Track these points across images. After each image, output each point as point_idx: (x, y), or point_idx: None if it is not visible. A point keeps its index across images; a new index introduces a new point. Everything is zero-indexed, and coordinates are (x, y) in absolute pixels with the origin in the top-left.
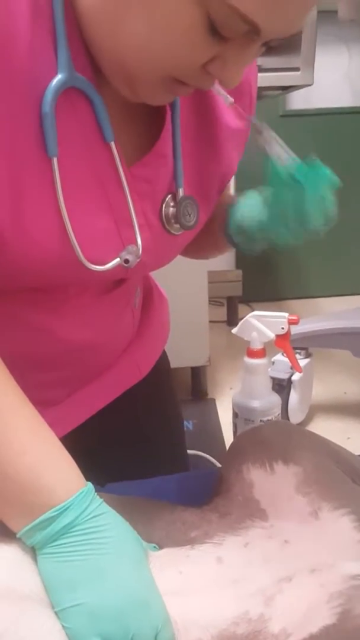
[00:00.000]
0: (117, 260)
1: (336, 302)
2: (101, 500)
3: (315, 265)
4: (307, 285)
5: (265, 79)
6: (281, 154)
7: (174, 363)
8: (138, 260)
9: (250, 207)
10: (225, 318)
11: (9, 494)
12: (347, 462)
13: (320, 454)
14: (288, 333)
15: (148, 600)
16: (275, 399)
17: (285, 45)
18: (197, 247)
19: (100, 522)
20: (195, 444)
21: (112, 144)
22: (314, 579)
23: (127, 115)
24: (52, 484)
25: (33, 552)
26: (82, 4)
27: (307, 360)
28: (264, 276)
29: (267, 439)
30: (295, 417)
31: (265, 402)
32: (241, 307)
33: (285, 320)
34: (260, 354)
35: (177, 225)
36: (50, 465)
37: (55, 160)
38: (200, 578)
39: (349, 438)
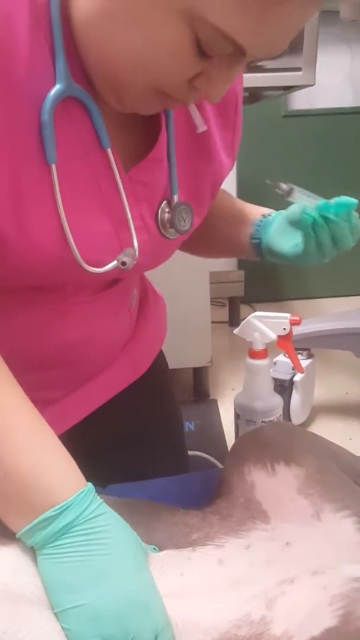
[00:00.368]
0: (115, 262)
1: (338, 302)
2: (101, 500)
3: (317, 266)
4: (309, 286)
5: (266, 79)
6: (309, 201)
7: (175, 363)
8: (135, 262)
9: (286, 240)
10: (227, 319)
11: (9, 493)
12: (348, 463)
13: (322, 455)
14: (290, 334)
15: (148, 602)
16: (277, 399)
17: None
18: (211, 250)
19: (101, 523)
20: (196, 445)
21: (109, 151)
22: (316, 581)
23: (123, 123)
24: (52, 483)
25: (33, 553)
26: (77, 18)
27: (309, 361)
28: (266, 277)
29: (269, 441)
30: (297, 418)
31: (267, 403)
32: (243, 308)
33: (287, 320)
34: (262, 354)
35: (172, 230)
36: (50, 465)
37: (54, 167)
38: (201, 580)
39: (350, 439)
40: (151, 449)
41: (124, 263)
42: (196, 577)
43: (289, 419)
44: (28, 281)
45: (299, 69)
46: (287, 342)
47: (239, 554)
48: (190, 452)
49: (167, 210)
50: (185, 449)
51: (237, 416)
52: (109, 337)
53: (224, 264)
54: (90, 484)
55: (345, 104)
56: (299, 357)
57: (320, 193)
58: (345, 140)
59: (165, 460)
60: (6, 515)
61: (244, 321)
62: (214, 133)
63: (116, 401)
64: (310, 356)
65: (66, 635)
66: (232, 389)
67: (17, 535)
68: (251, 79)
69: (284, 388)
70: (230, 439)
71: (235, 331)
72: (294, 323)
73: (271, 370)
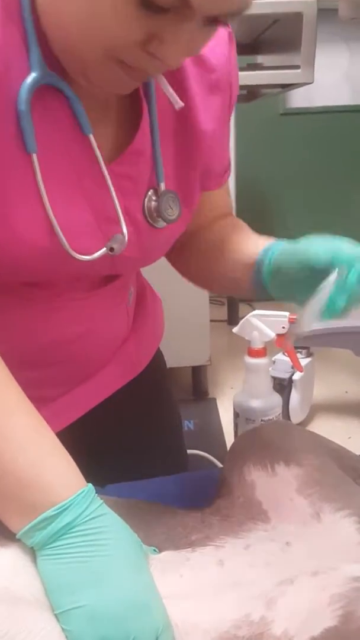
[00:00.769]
0: (104, 249)
1: None
2: (101, 501)
3: None
4: None
5: (265, 77)
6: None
7: (174, 362)
8: (124, 248)
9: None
10: (226, 317)
11: (9, 492)
12: (348, 463)
13: (322, 454)
14: (289, 332)
15: (148, 603)
16: (276, 398)
17: (285, 43)
18: (220, 287)
19: (101, 524)
20: (196, 444)
21: (91, 136)
22: (316, 582)
23: (102, 114)
24: (52, 482)
25: (33, 554)
26: (39, 4)
27: (308, 360)
28: None
29: (268, 440)
30: (296, 416)
31: (266, 401)
32: (242, 306)
33: (286, 319)
34: (261, 353)
35: (160, 219)
36: (50, 464)
37: (34, 156)
38: (201, 581)
39: (350, 437)
40: (150, 448)
41: (112, 249)
42: (196, 578)
43: (288, 418)
44: (19, 276)
45: (297, 67)
46: (287, 341)
47: (238, 554)
48: (189, 451)
49: (154, 198)
50: (184, 447)
51: (236, 415)
52: (106, 335)
53: None
54: (90, 485)
55: (343, 102)
56: (298, 355)
57: (318, 190)
58: (343, 138)
59: (164, 459)
60: (6, 515)
61: (243, 320)
62: (200, 112)
63: (114, 400)
64: (309, 355)
65: (66, 637)
66: (231, 388)
67: (17, 536)
68: (249, 77)
69: (283, 387)
70: (229, 437)
71: (235, 330)
72: (292, 321)
73: (270, 368)
